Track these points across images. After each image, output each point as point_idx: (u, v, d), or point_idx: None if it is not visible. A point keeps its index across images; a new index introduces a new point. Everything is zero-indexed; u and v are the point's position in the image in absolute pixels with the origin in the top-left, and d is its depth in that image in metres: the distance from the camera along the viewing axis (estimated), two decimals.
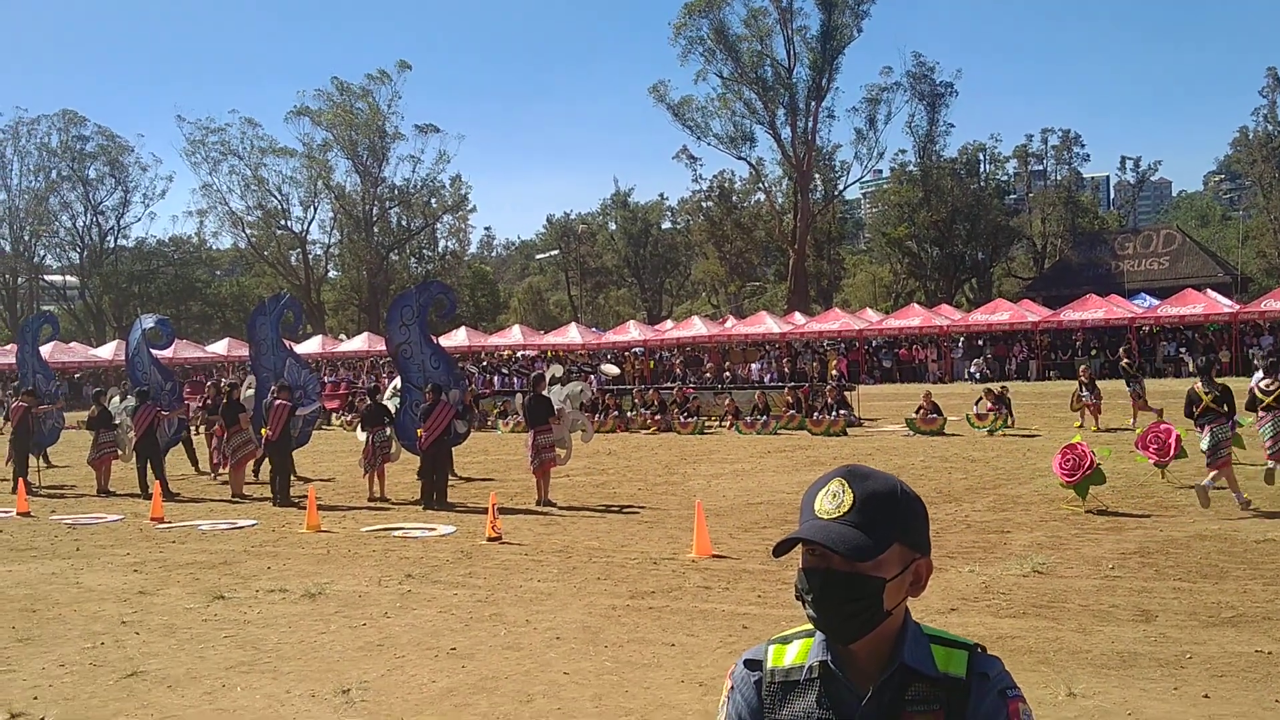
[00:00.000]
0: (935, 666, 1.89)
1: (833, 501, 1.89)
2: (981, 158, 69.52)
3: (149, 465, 17.46)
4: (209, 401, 21.65)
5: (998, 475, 16.08)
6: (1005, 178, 72.84)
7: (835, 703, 1.91)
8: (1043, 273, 66.40)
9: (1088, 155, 75.33)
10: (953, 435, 22.02)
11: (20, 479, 17.31)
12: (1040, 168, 74.64)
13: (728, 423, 25.82)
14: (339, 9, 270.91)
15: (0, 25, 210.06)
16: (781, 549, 1.92)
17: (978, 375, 39.94)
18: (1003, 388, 23.74)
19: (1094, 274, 56.73)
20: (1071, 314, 41.91)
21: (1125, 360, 23.61)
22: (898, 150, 70.72)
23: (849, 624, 1.87)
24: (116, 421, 18.73)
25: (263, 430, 16.36)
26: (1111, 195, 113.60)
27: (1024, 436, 21.45)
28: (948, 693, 1.87)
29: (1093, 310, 41.62)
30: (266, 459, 16.98)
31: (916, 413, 23.13)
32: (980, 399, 22.92)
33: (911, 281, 69.39)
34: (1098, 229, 70.20)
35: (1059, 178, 73.07)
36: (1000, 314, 44.18)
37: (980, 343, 44.85)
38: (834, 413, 24.39)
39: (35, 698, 6.84)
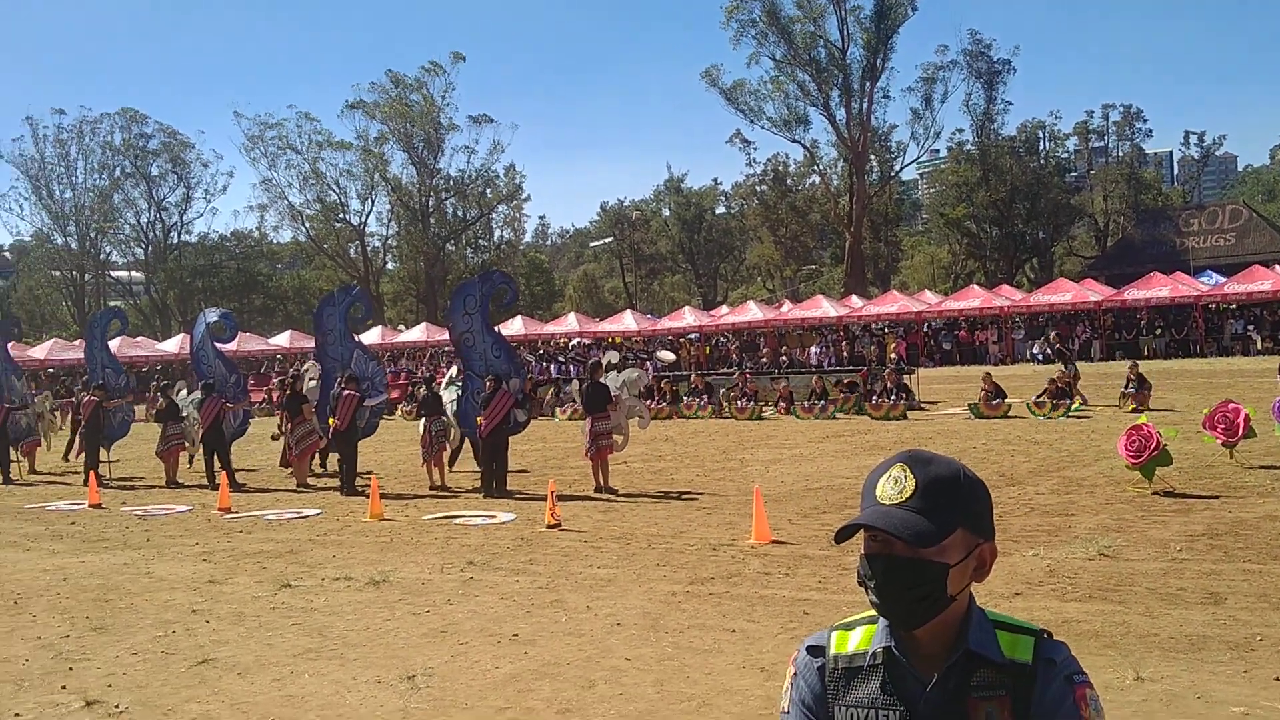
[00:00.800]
0: (1001, 652, 1.87)
1: (895, 487, 1.88)
2: (1041, 135, 68.44)
3: (215, 456, 17.81)
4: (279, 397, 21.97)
5: (1061, 458, 15.86)
6: (1066, 155, 71.64)
7: (899, 689, 1.91)
8: (1105, 251, 65.27)
9: (1150, 131, 73.73)
10: (1016, 418, 21.74)
11: (92, 472, 17.72)
12: (1101, 144, 73.28)
13: (781, 407, 25.71)
14: (392, 2, 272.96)
15: (64, 27, 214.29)
16: (843, 535, 1.91)
17: (1040, 356, 39.37)
18: (1073, 370, 23.33)
19: (1158, 251, 55.65)
20: (1136, 292, 41.17)
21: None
22: (955, 129, 69.84)
23: (912, 610, 1.86)
24: (184, 414, 19.11)
25: (330, 420, 16.57)
26: (1175, 171, 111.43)
27: (1088, 418, 21.13)
28: (1013, 678, 1.86)
29: (1157, 288, 40.82)
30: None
31: (980, 396, 22.90)
32: (1043, 392, 22.45)
33: (971, 262, 68.54)
34: (1161, 206, 68.85)
35: (1121, 154, 71.68)
36: (1062, 294, 43.51)
37: (1042, 323, 44.22)
38: (893, 397, 24.19)
39: (109, 685, 7.01)
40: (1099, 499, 12.24)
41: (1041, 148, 68.76)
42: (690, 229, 79.06)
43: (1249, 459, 14.00)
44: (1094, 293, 43.27)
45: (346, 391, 16.38)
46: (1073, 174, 72.40)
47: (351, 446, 16.53)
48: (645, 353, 44.22)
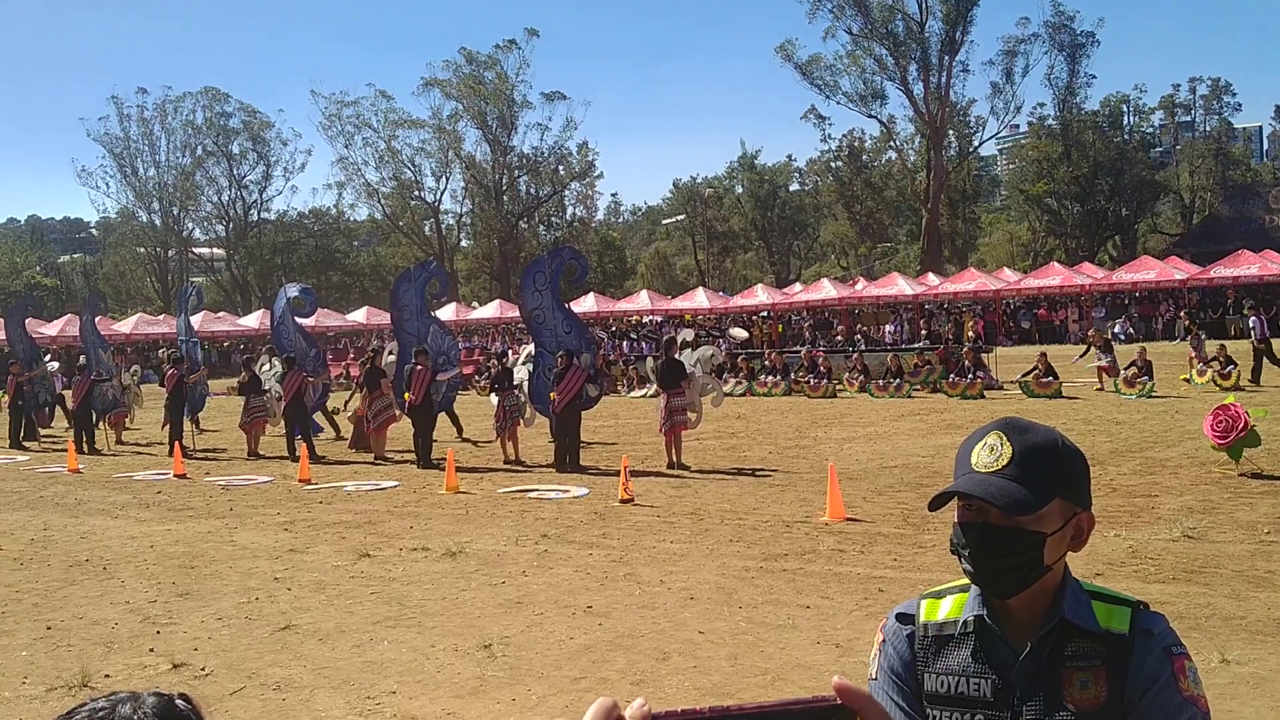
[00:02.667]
0: (1097, 622, 1.84)
1: (991, 454, 1.84)
2: (1125, 109, 66.75)
3: (297, 429, 18.16)
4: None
5: (1144, 438, 15.53)
6: (1151, 130, 69.85)
7: (991, 657, 1.88)
8: (1191, 228, 63.60)
9: (1239, 105, 71.46)
10: (1072, 399, 21.40)
11: (177, 443, 18.17)
12: (1188, 119, 71.32)
13: (855, 384, 25.52)
14: None
15: (149, 6, 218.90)
16: (937, 503, 1.89)
17: (1122, 336, 38.53)
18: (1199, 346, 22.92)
19: (1246, 229, 54.07)
20: (1223, 270, 40.04)
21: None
22: (1036, 104, 68.38)
23: (1008, 579, 1.83)
24: (265, 387, 19.51)
25: (405, 395, 16.80)
26: (1265, 146, 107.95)
27: (1172, 398, 20.65)
28: (1109, 649, 1.82)
29: (1245, 266, 39.66)
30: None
31: (1029, 375, 22.57)
32: (1130, 364, 22.05)
33: (1051, 239, 67.21)
34: (1250, 181, 66.80)
35: (1208, 129, 69.69)
36: (1146, 272, 42.44)
37: (1125, 302, 43.22)
38: (970, 375, 23.85)
39: (195, 649, 7.19)
40: (1184, 480, 11.97)
41: (1126, 122, 67.10)
42: (764, 206, 78.48)
43: None
44: (1179, 271, 42.17)
45: (419, 366, 16.59)
46: (1158, 149, 70.54)
47: (427, 420, 16.74)
48: (718, 330, 44.13)
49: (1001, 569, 1.83)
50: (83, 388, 21.06)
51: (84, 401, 21.04)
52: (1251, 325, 23.64)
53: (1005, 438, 1.85)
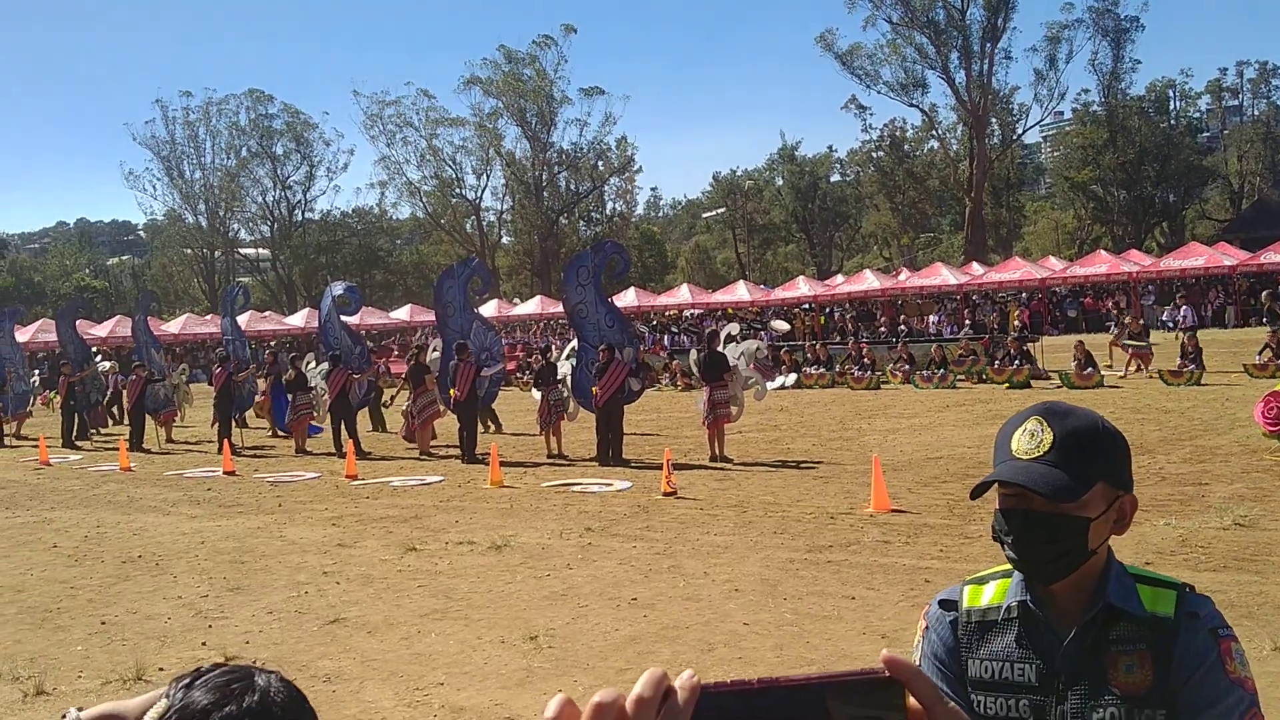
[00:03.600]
0: (1142, 606, 1.83)
1: (1031, 440, 1.84)
2: (1171, 94, 65.77)
3: (343, 425, 18.35)
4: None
5: (1194, 426, 15.32)
6: (1198, 115, 68.78)
7: (1035, 642, 1.88)
8: (1240, 214, 62.48)
9: None
10: (1113, 388, 21.16)
11: (226, 440, 18.42)
12: (1236, 103, 70.12)
13: (899, 375, 25.38)
14: None
15: (192, 10, 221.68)
16: (979, 491, 1.89)
17: (1172, 324, 37.98)
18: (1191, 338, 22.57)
19: None
20: (1273, 256, 39.29)
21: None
22: (1080, 90, 67.65)
23: (1052, 565, 1.83)
24: (312, 384, 19.72)
25: (450, 391, 16.91)
26: None
27: (1223, 385, 20.34)
28: (1154, 632, 1.81)
29: None
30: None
31: (1073, 367, 22.36)
32: (1182, 352, 21.78)
33: (1097, 227, 66.36)
34: None
35: (1257, 113, 68.47)
36: (1194, 258, 41.75)
37: (1173, 289, 42.60)
38: (1016, 363, 23.62)
39: (247, 642, 7.31)
40: (1234, 468, 11.80)
41: (1172, 107, 66.10)
42: (804, 198, 78.07)
43: None
44: (1228, 257, 41.46)
45: (462, 361, 16.70)
46: (1205, 134, 69.51)
47: (471, 415, 16.86)
48: (759, 323, 44.02)
49: (1046, 556, 1.82)
50: (137, 387, 21.40)
51: (138, 401, 21.39)
52: None
53: (1045, 423, 1.84)
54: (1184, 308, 22.55)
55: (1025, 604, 1.90)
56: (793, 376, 26.94)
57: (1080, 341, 23.75)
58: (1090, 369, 22.11)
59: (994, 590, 1.97)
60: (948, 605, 2.01)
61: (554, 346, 22.95)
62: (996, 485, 1.87)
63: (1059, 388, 22.09)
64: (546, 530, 10.62)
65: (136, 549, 10.83)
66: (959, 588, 2.02)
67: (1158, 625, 1.81)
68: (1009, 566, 1.95)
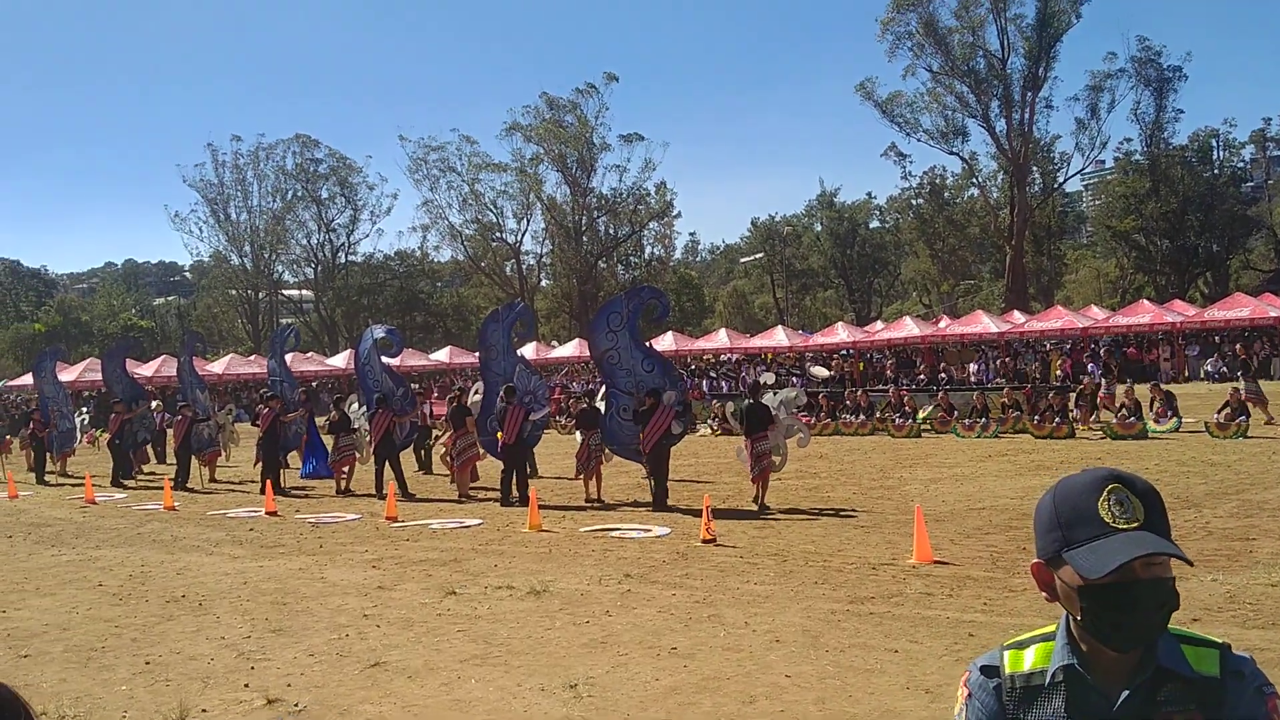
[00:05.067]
0: (1190, 666, 1.83)
1: (1124, 509, 1.84)
2: (1214, 144, 65.26)
3: (387, 466, 18.47)
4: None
5: (1241, 479, 15.07)
6: (1241, 164, 68.18)
7: (1083, 706, 1.88)
8: None
9: None
10: (1156, 439, 20.92)
11: (269, 480, 18.57)
12: None
13: (938, 420, 25.22)
14: (547, 25, 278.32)
15: (244, 59, 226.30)
16: (1114, 571, 1.80)
17: (1215, 375, 37.49)
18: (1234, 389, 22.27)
19: None
20: None
21: None
22: (1122, 139, 67.10)
23: (1155, 629, 1.85)
24: (355, 426, 19.86)
25: (498, 434, 16.95)
26: None
27: (1269, 438, 20.03)
28: (1201, 692, 1.82)
29: None
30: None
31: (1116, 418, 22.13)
32: (1224, 406, 21.48)
33: (1140, 276, 65.84)
34: None
35: None
36: (1239, 309, 41.30)
37: (1217, 340, 42.09)
38: (1058, 417, 23.29)
39: (289, 684, 7.33)
40: None
41: (1215, 156, 65.60)
42: (843, 244, 78.15)
43: None
44: (1274, 308, 40.96)
45: (510, 405, 16.75)
46: (1249, 184, 68.85)
47: (520, 459, 16.90)
48: (798, 369, 43.89)
49: (1159, 619, 1.84)
50: (183, 426, 21.64)
51: (184, 440, 21.63)
52: None
53: (1128, 490, 1.86)
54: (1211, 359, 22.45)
55: (1072, 667, 1.89)
56: (820, 424, 26.79)
57: (1130, 388, 23.49)
58: (1134, 418, 21.85)
59: (1035, 654, 1.96)
60: (990, 671, 2.00)
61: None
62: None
63: (1102, 438, 21.85)
64: (585, 576, 10.60)
65: (180, 588, 10.92)
66: (998, 652, 2.02)
67: (1205, 685, 1.82)
68: (1048, 630, 1.96)
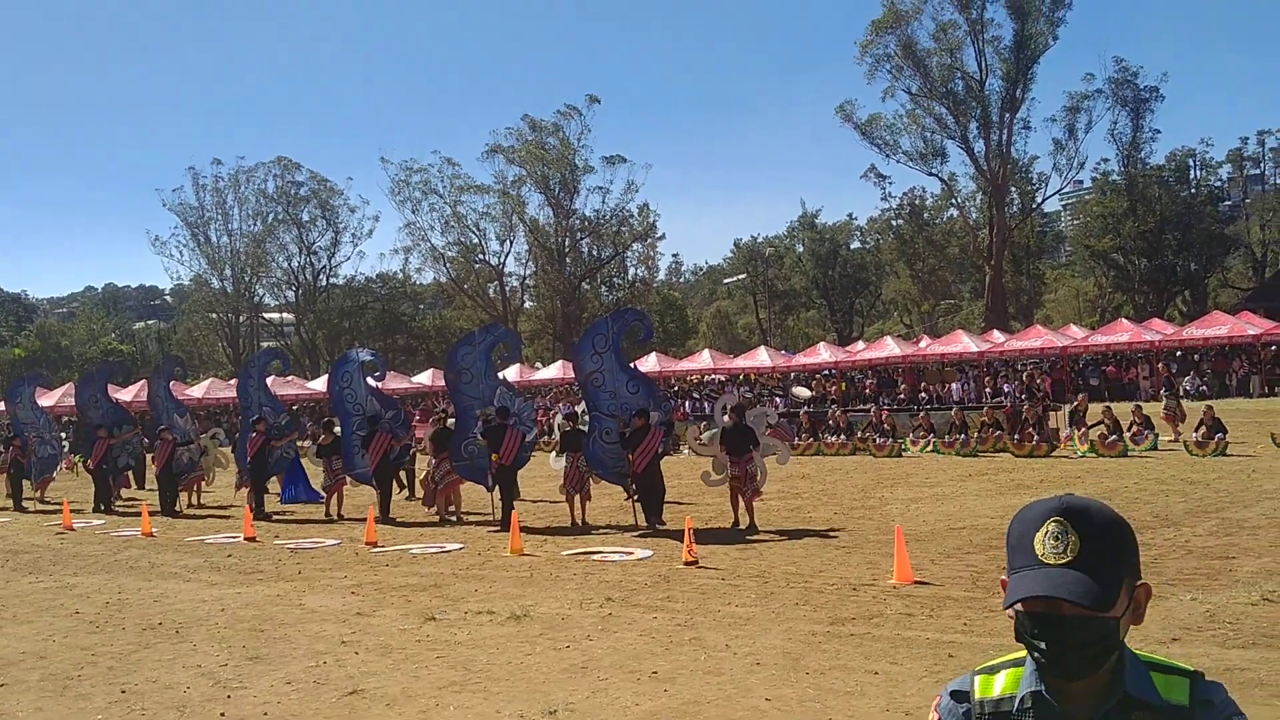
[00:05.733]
0: (1159, 695, 1.83)
1: (1057, 544, 1.82)
2: (1191, 164, 66.01)
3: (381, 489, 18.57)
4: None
5: (1220, 498, 15.15)
6: (1218, 183, 68.96)
7: None
8: (1263, 282, 62.34)
9: None
10: (1133, 458, 21.05)
11: (248, 506, 18.47)
12: (1257, 171, 70.36)
13: (919, 440, 25.32)
14: (529, 48, 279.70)
15: (226, 85, 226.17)
16: (1011, 603, 1.86)
17: (1193, 393, 37.74)
18: (1208, 407, 22.44)
19: None
20: None
21: None
22: (1100, 159, 67.82)
23: (1084, 665, 1.83)
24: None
25: (493, 456, 16.89)
26: None
27: (1248, 456, 20.15)
28: None
29: None
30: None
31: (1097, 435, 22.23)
32: (1199, 424, 21.66)
33: (1118, 295, 66.38)
34: None
35: (1278, 182, 68.62)
36: (1217, 327, 41.64)
37: (1196, 358, 42.39)
38: (1036, 436, 23.44)
39: (265, 714, 7.26)
40: (1262, 541, 11.65)
41: (1192, 176, 66.32)
42: (824, 264, 78.50)
43: None
44: (1252, 326, 41.31)
45: (509, 427, 16.79)
46: (1226, 203, 69.59)
47: (512, 480, 16.91)
48: (780, 389, 43.98)
49: (1080, 657, 1.82)
50: (166, 451, 21.49)
51: (167, 465, 21.49)
52: None
53: (1069, 525, 1.83)
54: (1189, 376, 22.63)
55: (1039, 694, 1.89)
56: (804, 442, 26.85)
57: (1108, 407, 23.63)
58: (1114, 437, 21.97)
59: (1005, 680, 1.96)
60: (960, 696, 2.00)
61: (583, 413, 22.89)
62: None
63: (1082, 456, 21.95)
64: (566, 600, 10.57)
65: (157, 616, 10.83)
66: (969, 677, 2.02)
67: (1173, 713, 1.82)
68: (1019, 654, 1.95)
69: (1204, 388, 38.59)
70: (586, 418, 18.20)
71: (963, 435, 24.53)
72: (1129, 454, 21.60)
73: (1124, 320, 47.34)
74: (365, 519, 16.55)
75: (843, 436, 26.81)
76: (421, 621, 9.84)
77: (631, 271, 78.19)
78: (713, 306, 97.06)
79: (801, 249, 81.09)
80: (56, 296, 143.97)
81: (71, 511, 20.50)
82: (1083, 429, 22.68)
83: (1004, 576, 1.93)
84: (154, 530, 18.15)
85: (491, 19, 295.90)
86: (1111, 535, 1.83)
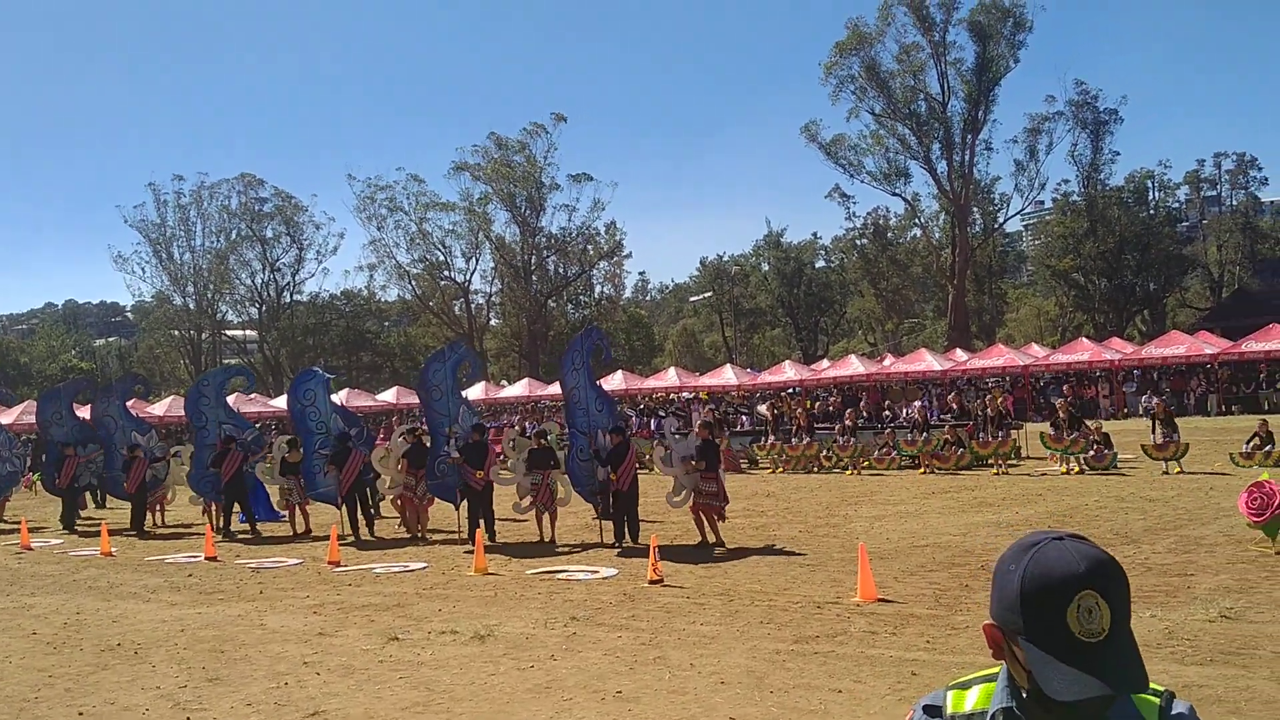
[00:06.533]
0: (1134, 709, 1.84)
1: (1092, 618, 1.75)
2: (1150, 185, 67.03)
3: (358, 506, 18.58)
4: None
5: (1178, 515, 15.34)
6: (1177, 205, 70.09)
7: None
8: (1220, 302, 63.37)
9: (1266, 179, 71.78)
10: (1094, 476, 21.35)
11: (209, 525, 18.31)
12: (1214, 193, 71.56)
13: (884, 458, 25.67)
14: (496, 66, 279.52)
15: (188, 99, 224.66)
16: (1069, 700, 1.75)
17: (1152, 411, 38.15)
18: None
19: (1278, 302, 53.72)
20: (1254, 345, 39.68)
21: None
22: (1060, 180, 69.00)
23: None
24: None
25: (477, 473, 16.84)
26: None
27: (1206, 474, 20.42)
28: None
29: (1277, 340, 39.31)
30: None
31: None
32: (1154, 426, 22.24)
33: (1079, 314, 67.16)
34: None
35: (1235, 203, 69.89)
36: (1176, 346, 42.20)
37: (1155, 377, 42.93)
38: (1000, 435, 24.13)
39: None
40: (1219, 558, 11.81)
41: (1151, 197, 67.33)
42: (790, 283, 78.85)
43: None
44: (1209, 345, 41.91)
45: (486, 444, 16.84)
46: (1184, 224, 70.68)
47: (490, 496, 16.93)
48: (746, 408, 44.09)
49: (1097, 714, 1.81)
50: (140, 470, 21.22)
51: (141, 484, 21.23)
52: None
53: (1098, 596, 1.76)
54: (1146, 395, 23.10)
55: (1010, 710, 1.90)
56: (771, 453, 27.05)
57: (1099, 425, 24.12)
58: (1107, 450, 22.40)
59: (978, 695, 1.97)
60: (932, 711, 2.01)
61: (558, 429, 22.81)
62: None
63: (1042, 475, 22.13)
64: (531, 619, 10.53)
65: (115, 637, 10.69)
66: (943, 693, 2.03)
67: None
68: (992, 670, 1.95)
69: (1161, 416, 38.99)
70: (554, 436, 18.26)
71: (925, 434, 25.05)
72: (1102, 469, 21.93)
73: (1084, 339, 47.86)
74: (329, 537, 16.43)
75: (807, 438, 27.20)
76: (384, 641, 9.78)
77: (598, 289, 78.28)
78: (679, 324, 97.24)
79: (767, 268, 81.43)
80: (15, 313, 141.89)
81: (30, 530, 20.21)
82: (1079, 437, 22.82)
83: (990, 622, 1.87)
84: (113, 550, 17.93)
85: (458, 37, 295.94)
86: (1125, 591, 1.80)
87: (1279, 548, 11.86)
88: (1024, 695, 1.87)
